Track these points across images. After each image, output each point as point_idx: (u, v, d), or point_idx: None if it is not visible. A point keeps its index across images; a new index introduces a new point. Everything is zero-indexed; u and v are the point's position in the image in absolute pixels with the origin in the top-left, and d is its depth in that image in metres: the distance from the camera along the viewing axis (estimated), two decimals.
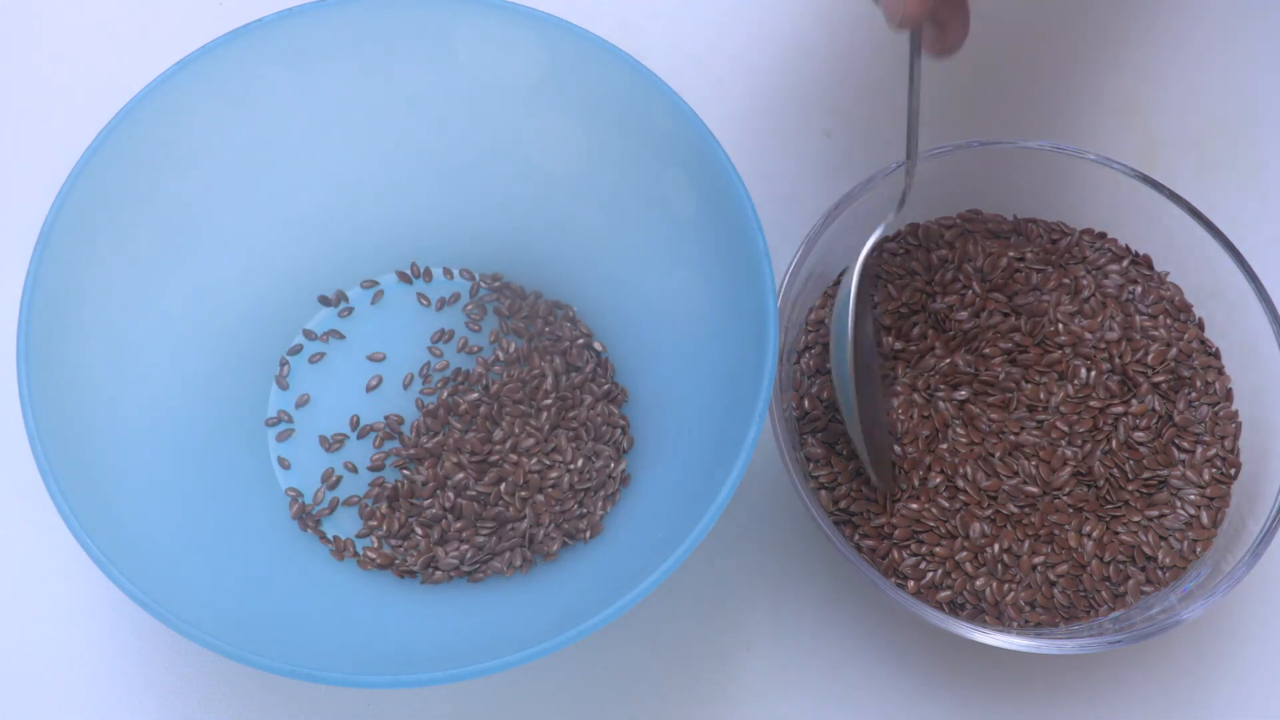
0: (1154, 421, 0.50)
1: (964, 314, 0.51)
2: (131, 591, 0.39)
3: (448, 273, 0.55)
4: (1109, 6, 0.64)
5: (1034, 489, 0.49)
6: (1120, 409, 0.50)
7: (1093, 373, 0.50)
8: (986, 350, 0.51)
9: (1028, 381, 0.50)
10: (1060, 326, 0.51)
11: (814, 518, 0.46)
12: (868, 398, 0.47)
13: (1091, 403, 0.50)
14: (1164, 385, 0.50)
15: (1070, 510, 0.49)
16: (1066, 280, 0.52)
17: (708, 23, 0.63)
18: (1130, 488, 0.49)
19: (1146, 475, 0.49)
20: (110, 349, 0.45)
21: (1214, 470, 0.49)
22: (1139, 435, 0.50)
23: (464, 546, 0.49)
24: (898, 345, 0.51)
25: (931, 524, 0.48)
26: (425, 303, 0.55)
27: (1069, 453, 0.49)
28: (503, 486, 0.50)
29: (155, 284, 0.47)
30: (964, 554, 0.48)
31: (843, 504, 0.49)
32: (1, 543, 0.51)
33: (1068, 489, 0.49)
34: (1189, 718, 0.50)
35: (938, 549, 0.48)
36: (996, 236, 0.54)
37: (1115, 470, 0.49)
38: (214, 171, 0.48)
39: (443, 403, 0.52)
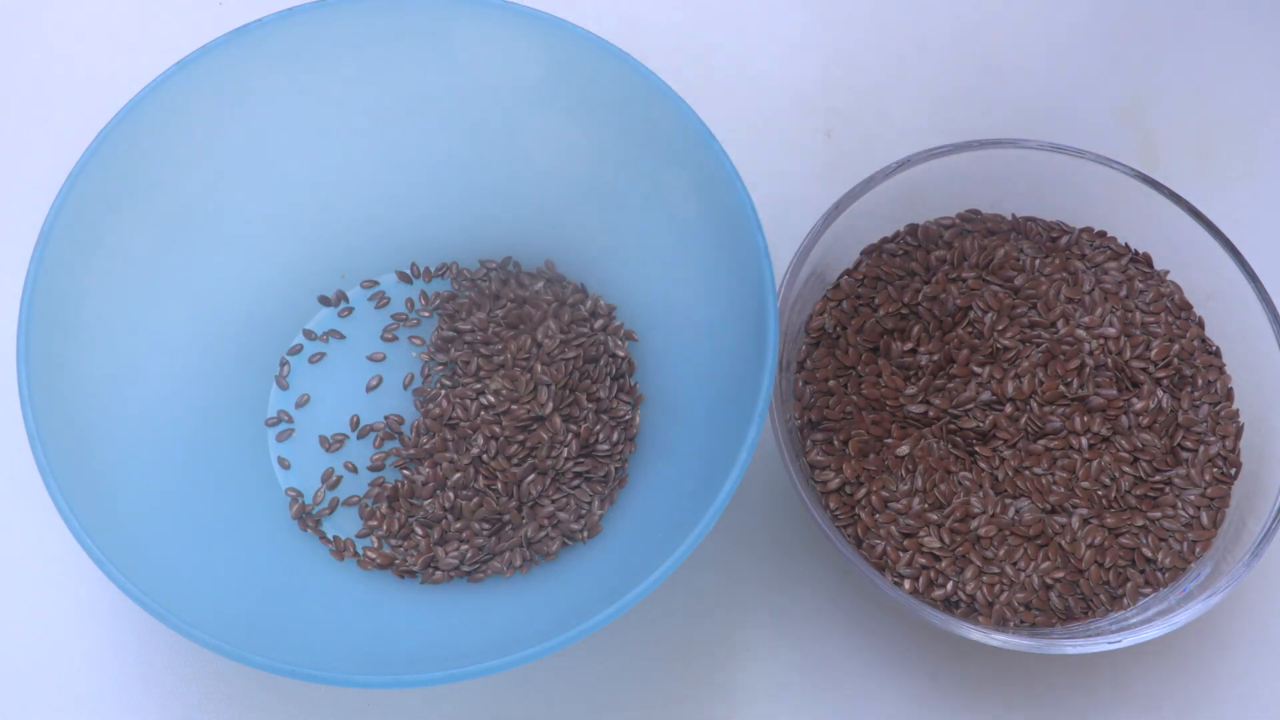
0: (1160, 420, 0.50)
1: (958, 299, 0.51)
2: (131, 591, 0.39)
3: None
4: (1109, 6, 0.64)
5: (1043, 503, 0.48)
6: (1124, 404, 0.50)
7: (1088, 368, 0.50)
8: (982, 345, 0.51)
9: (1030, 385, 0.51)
10: (1059, 310, 0.51)
11: (815, 519, 0.46)
12: None
13: (1094, 401, 0.50)
14: (1166, 382, 0.50)
15: (1076, 514, 0.48)
16: (1065, 274, 0.52)
17: (708, 23, 0.63)
18: (1138, 491, 0.49)
19: (1156, 478, 0.49)
20: (110, 349, 0.45)
21: (1215, 470, 0.49)
22: (1146, 436, 0.49)
23: (464, 546, 0.49)
24: (906, 346, 0.51)
25: (934, 521, 0.48)
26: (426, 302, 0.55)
27: (1078, 458, 0.49)
28: (502, 486, 0.50)
29: (155, 284, 0.47)
30: (963, 556, 0.48)
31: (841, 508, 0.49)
32: (1, 543, 0.51)
33: (1073, 498, 0.49)
34: (1189, 718, 0.50)
35: (937, 549, 0.48)
36: (995, 235, 0.54)
37: (1123, 473, 0.49)
38: (213, 171, 0.48)
39: None
